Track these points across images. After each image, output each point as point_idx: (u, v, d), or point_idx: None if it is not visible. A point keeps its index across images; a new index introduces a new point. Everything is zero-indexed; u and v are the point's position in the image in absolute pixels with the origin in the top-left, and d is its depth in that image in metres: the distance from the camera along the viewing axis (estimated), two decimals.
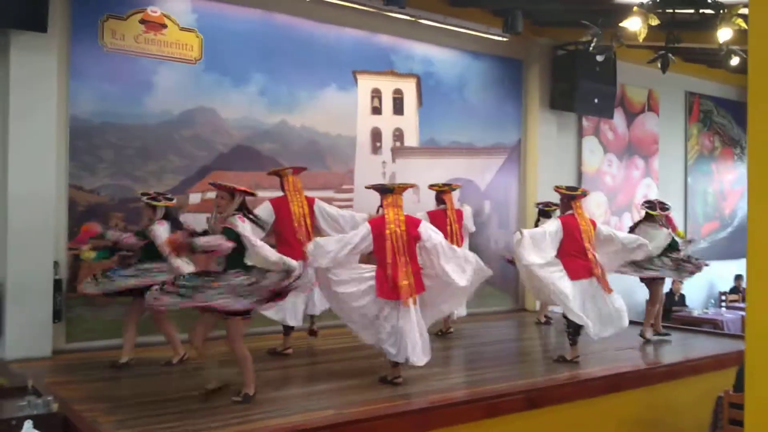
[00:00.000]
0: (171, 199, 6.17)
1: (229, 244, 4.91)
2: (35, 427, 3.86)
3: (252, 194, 5.27)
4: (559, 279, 6.34)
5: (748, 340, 3.23)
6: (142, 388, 5.37)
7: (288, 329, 6.61)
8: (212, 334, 5.27)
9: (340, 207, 8.10)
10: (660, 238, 7.50)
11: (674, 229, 7.89)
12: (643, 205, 8.02)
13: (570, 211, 6.66)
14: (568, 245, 6.45)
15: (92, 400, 5.01)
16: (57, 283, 6.46)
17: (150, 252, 5.87)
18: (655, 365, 6.72)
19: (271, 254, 5.07)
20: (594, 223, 6.70)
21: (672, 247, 7.60)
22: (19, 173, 6.25)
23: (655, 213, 7.49)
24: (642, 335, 7.69)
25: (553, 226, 6.55)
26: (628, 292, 8.16)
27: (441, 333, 7.67)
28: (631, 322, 8.36)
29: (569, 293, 6.32)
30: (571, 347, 6.56)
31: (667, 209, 7.81)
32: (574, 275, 6.38)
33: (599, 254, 6.59)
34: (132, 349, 6.08)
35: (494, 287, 7.97)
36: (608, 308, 6.48)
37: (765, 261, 3.18)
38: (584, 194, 6.89)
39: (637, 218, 9.30)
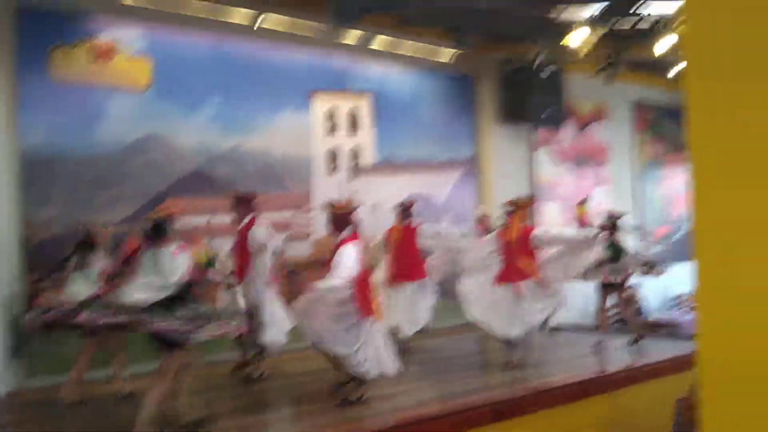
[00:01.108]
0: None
1: None
2: None
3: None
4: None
5: (701, 340, 3.29)
6: (104, 425, 5.27)
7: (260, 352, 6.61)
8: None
9: (300, 228, 8.15)
10: None
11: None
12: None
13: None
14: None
15: None
16: (14, 319, 6.30)
17: None
18: (614, 371, 6.84)
19: None
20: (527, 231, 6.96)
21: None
22: None
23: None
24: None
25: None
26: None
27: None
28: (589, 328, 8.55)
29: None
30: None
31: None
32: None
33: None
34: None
35: (454, 301, 8.02)
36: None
37: (711, 261, 3.28)
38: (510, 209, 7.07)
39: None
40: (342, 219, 5.80)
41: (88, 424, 5.29)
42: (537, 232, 6.94)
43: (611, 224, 7.90)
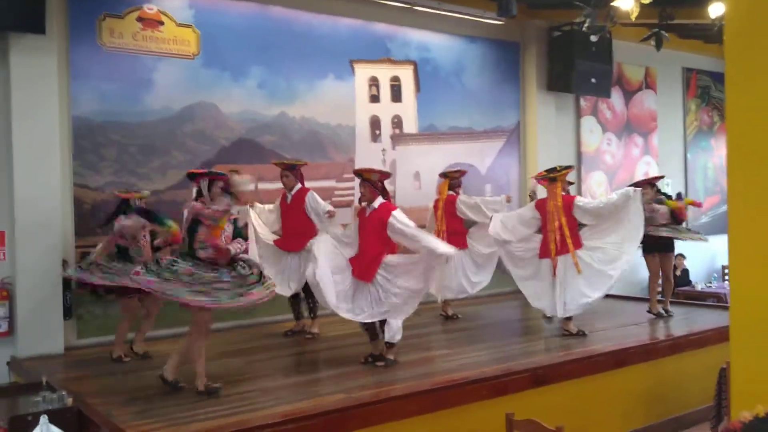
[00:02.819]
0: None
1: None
2: (51, 421, 3.94)
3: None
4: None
5: (732, 312, 3.34)
6: (153, 380, 5.45)
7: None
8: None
9: (343, 196, 8.24)
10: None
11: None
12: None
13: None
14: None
15: (106, 393, 5.10)
16: (66, 281, 6.55)
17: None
18: (660, 340, 6.79)
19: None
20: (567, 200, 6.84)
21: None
22: (24, 175, 6.33)
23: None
24: (651, 311, 7.82)
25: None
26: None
27: (451, 316, 7.89)
28: (634, 299, 8.49)
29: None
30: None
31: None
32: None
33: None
34: (122, 344, 6.23)
35: (497, 269, 8.04)
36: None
37: (744, 235, 3.30)
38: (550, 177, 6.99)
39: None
40: (373, 186, 5.86)
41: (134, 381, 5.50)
42: (577, 201, 6.85)
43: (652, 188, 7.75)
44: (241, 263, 5.11)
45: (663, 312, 7.83)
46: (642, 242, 7.10)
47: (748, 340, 3.32)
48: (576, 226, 6.79)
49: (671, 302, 8.18)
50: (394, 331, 5.74)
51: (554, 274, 6.79)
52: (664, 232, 7.57)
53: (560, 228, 6.74)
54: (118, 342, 6.20)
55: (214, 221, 4.99)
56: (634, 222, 6.70)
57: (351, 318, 5.81)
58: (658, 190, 7.84)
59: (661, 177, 8.62)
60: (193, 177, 5.23)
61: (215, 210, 4.97)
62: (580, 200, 6.86)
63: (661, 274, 7.92)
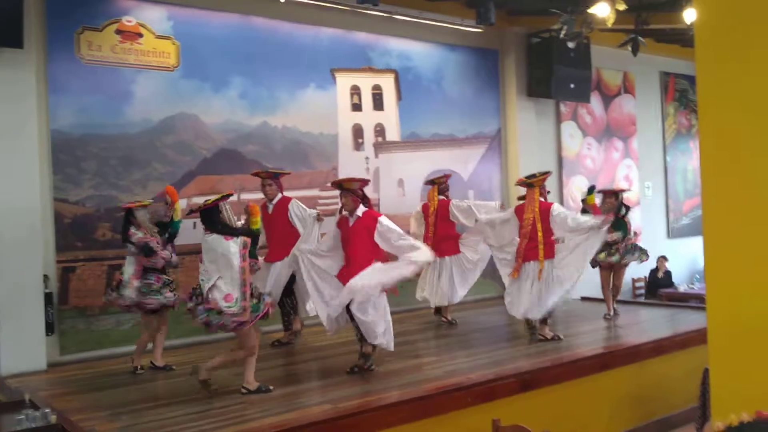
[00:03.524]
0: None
1: None
2: None
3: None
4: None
5: (709, 314, 3.40)
6: (138, 395, 5.42)
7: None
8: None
9: (327, 205, 8.24)
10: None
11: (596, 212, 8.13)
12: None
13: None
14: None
15: (90, 409, 5.05)
16: (48, 296, 6.48)
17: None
18: (644, 342, 6.83)
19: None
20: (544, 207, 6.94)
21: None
22: (3, 190, 6.25)
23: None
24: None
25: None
26: None
27: (451, 322, 7.97)
28: (599, 300, 8.59)
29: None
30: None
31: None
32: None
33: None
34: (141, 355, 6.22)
35: (482, 276, 8.07)
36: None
37: (719, 236, 3.36)
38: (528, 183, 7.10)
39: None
40: (354, 194, 5.89)
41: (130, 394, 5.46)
42: (554, 209, 6.90)
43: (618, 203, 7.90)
44: None
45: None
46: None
47: (725, 341, 3.37)
48: (551, 234, 6.85)
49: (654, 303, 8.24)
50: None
51: (515, 274, 6.94)
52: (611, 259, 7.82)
53: (534, 234, 6.81)
54: (138, 353, 6.19)
55: None
56: (588, 251, 6.84)
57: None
58: (621, 202, 7.94)
59: (627, 189, 8.74)
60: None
61: None
62: (556, 209, 6.93)
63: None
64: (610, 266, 7.94)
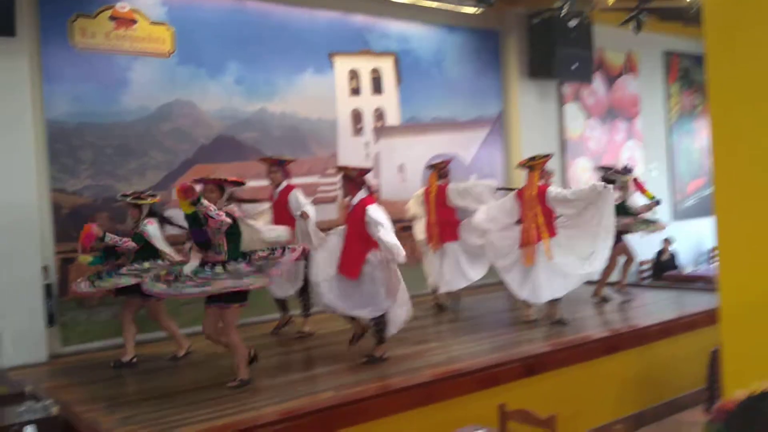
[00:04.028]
0: (154, 196, 6.16)
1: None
2: (37, 431, 3.86)
3: (241, 183, 5.32)
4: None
5: (722, 291, 3.33)
6: (140, 386, 5.39)
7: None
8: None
9: (326, 192, 8.16)
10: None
11: (643, 191, 8.04)
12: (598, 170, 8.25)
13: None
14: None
15: (91, 400, 5.02)
16: (47, 288, 6.43)
17: (144, 252, 5.89)
18: (651, 324, 6.76)
19: (267, 230, 5.26)
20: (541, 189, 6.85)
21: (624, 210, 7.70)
22: None
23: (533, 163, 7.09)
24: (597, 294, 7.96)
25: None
26: None
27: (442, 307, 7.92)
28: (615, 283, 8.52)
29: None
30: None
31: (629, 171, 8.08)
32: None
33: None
34: (133, 347, 6.08)
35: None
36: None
37: (732, 213, 3.29)
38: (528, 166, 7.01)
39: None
40: (354, 181, 5.79)
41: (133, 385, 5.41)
42: (549, 190, 6.82)
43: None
44: None
45: (607, 297, 7.97)
46: None
47: (738, 322, 3.31)
48: (551, 216, 6.78)
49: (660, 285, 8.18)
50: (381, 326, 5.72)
51: (529, 262, 6.79)
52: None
53: (535, 217, 6.74)
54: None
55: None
56: (604, 223, 6.59)
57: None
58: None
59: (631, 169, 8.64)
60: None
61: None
62: (551, 190, 6.85)
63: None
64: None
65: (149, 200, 6.04)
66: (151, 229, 5.88)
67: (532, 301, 6.93)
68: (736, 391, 1.85)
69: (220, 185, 5.21)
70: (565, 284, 6.73)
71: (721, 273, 3.42)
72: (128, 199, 6.01)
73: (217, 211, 4.87)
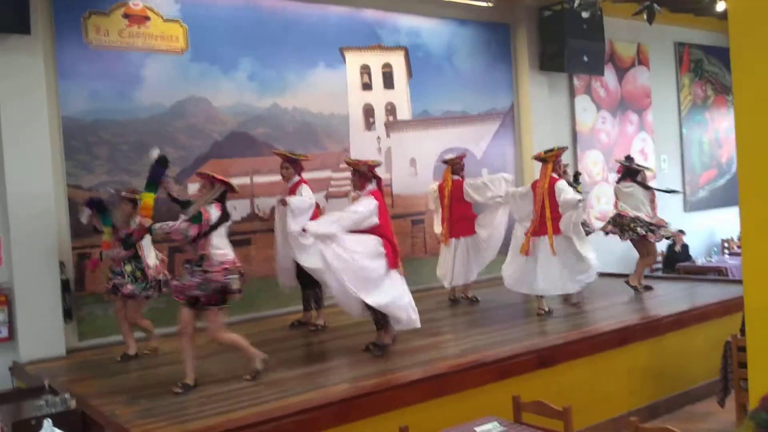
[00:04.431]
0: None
1: (192, 230, 4.94)
2: (54, 425, 3.91)
3: (231, 188, 5.31)
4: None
5: (745, 284, 3.30)
6: (157, 379, 5.44)
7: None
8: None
9: (339, 186, 8.20)
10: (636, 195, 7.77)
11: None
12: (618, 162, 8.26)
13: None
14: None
15: (109, 394, 5.07)
16: (64, 283, 6.50)
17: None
18: (663, 316, 6.76)
19: None
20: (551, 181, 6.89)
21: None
22: (16, 178, 6.26)
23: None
24: (628, 283, 7.96)
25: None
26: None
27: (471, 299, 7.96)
28: (616, 275, 8.53)
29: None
30: None
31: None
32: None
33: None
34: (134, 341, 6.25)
35: (498, 253, 8.00)
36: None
37: (757, 205, 3.26)
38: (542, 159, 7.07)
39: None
40: (363, 175, 5.86)
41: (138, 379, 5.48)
42: (558, 184, 6.85)
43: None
44: None
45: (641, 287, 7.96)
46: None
47: (762, 314, 3.27)
48: (558, 209, 6.79)
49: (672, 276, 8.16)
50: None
51: (524, 251, 6.89)
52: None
53: (542, 209, 6.76)
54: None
55: None
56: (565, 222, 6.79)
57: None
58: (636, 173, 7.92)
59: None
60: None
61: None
62: (560, 184, 6.88)
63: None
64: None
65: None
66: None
67: (528, 292, 7.08)
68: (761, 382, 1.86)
69: (211, 181, 5.26)
70: (562, 286, 6.89)
71: (744, 265, 3.40)
72: (124, 193, 6.11)
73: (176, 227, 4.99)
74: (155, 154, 5.27)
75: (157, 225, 5.01)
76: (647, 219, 7.67)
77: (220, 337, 5.20)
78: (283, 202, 6.26)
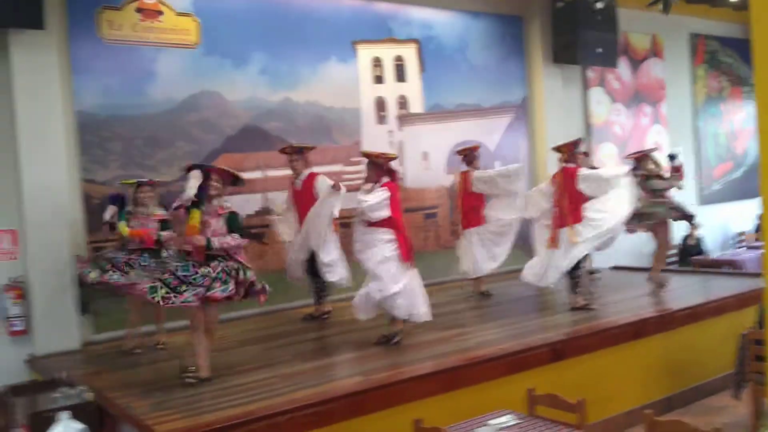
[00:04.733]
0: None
1: (244, 241, 5.14)
2: (71, 417, 3.94)
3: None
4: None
5: (766, 277, 3.26)
6: (173, 372, 5.45)
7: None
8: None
9: (351, 180, 8.19)
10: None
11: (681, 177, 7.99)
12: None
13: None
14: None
15: (125, 387, 5.10)
16: (80, 276, 6.53)
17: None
18: (678, 309, 6.73)
19: None
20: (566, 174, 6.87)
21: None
22: (31, 172, 6.30)
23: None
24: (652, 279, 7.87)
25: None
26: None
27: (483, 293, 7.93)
28: (630, 269, 8.48)
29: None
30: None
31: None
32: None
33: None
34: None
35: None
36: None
37: None
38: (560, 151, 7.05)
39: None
40: (379, 168, 5.86)
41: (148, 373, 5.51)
42: (580, 171, 6.82)
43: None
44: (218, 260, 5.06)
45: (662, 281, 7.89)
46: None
47: None
48: (578, 200, 6.75)
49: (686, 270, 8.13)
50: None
51: (552, 245, 6.83)
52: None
53: (560, 201, 6.76)
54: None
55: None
56: (621, 199, 6.70)
57: None
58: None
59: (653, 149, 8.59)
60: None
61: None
62: (582, 171, 6.83)
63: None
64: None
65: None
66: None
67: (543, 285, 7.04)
68: None
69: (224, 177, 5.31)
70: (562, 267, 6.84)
71: (765, 258, 3.36)
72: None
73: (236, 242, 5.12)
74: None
75: (216, 243, 5.03)
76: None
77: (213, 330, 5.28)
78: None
